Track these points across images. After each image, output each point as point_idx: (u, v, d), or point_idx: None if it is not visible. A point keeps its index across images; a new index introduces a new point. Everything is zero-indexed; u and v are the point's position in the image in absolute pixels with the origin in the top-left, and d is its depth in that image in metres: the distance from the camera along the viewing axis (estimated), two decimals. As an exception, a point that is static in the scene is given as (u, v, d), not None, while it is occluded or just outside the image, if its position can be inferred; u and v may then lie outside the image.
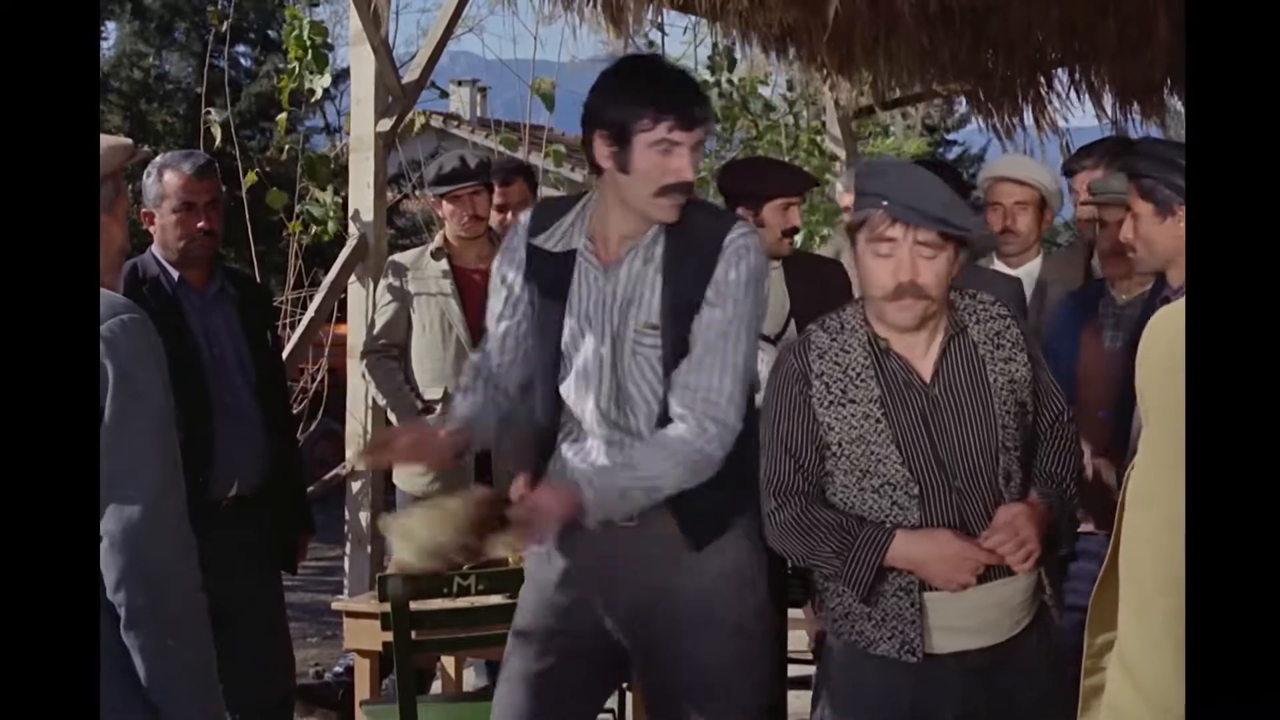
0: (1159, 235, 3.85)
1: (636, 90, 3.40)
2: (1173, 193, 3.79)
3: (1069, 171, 5.24)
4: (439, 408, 5.95)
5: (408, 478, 6.08)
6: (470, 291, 6.01)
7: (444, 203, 5.99)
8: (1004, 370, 3.31)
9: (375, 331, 6.11)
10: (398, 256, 6.23)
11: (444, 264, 6.02)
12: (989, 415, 3.29)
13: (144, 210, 4.70)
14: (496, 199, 6.26)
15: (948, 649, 3.31)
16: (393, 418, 6.08)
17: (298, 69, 6.93)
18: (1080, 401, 4.15)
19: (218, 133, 7.55)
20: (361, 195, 6.78)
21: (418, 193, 10.83)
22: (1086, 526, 4.29)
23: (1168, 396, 1.96)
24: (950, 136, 28.72)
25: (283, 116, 7.37)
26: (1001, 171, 5.34)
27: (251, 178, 7.28)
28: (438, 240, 6.13)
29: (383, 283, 6.16)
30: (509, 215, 6.27)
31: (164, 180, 4.66)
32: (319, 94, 7.07)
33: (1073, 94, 8.58)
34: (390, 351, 6.07)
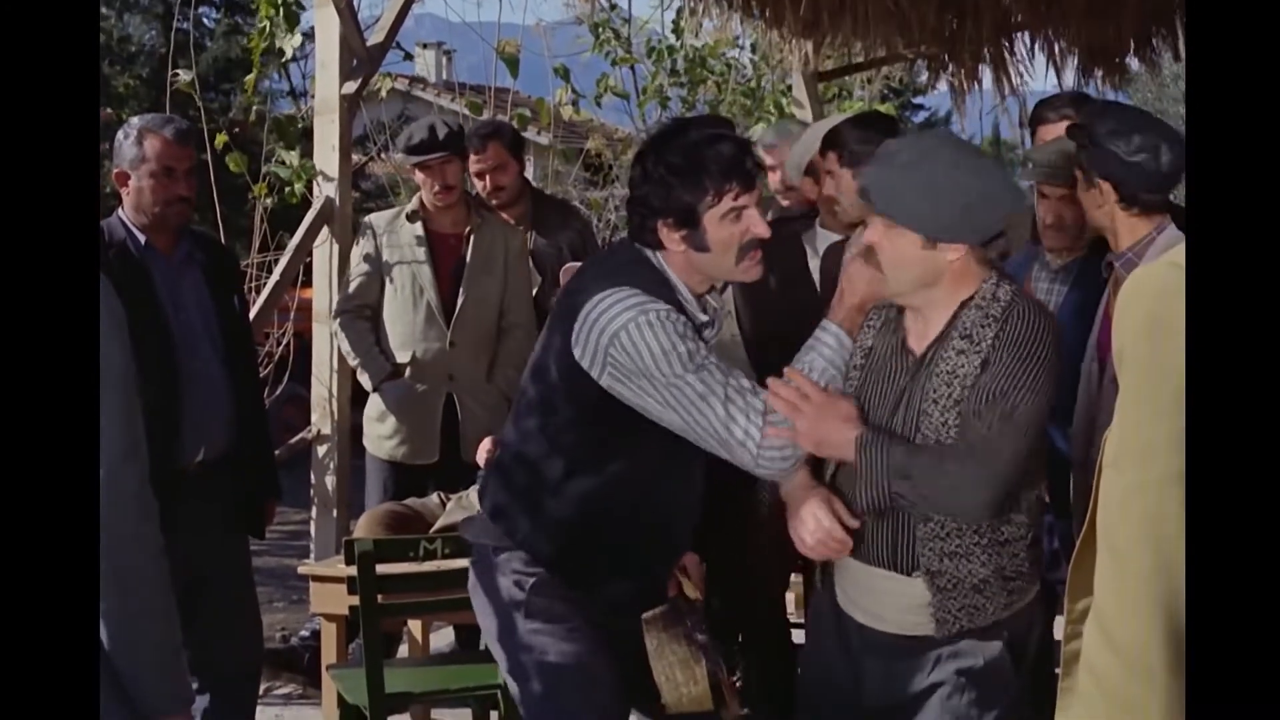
0: (1088, 203, 3.92)
1: (689, 169, 3.37)
2: (1095, 166, 3.83)
3: (1040, 121, 5.14)
4: (408, 371, 5.96)
5: (376, 441, 6.09)
6: (443, 256, 6.01)
7: (416, 170, 5.99)
8: (951, 360, 3.21)
9: (350, 291, 6.12)
10: (372, 217, 6.25)
11: (418, 228, 6.01)
12: (918, 397, 3.25)
13: (117, 170, 4.65)
14: (473, 165, 6.25)
15: (850, 612, 3.39)
16: (363, 379, 6.08)
17: (268, 28, 6.89)
18: None
19: (194, 94, 7.50)
20: (326, 158, 6.75)
21: (383, 156, 10.80)
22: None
23: (1143, 357, 1.97)
24: (916, 100, 28.70)
25: (251, 76, 7.33)
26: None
27: (222, 139, 7.23)
28: (413, 203, 6.12)
29: (358, 244, 6.16)
30: (487, 180, 6.26)
31: (144, 143, 4.61)
32: (289, 54, 7.02)
33: (1037, 58, 8.60)
34: (363, 312, 6.08)
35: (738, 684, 3.46)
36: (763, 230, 3.40)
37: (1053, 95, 5.36)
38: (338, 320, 6.13)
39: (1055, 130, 5.04)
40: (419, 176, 6.00)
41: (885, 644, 3.32)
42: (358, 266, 6.11)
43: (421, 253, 5.99)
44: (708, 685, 3.41)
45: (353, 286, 6.12)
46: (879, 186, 3.21)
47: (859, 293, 3.38)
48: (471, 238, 6.01)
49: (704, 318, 3.50)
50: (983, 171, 3.23)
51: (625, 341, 3.28)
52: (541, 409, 3.55)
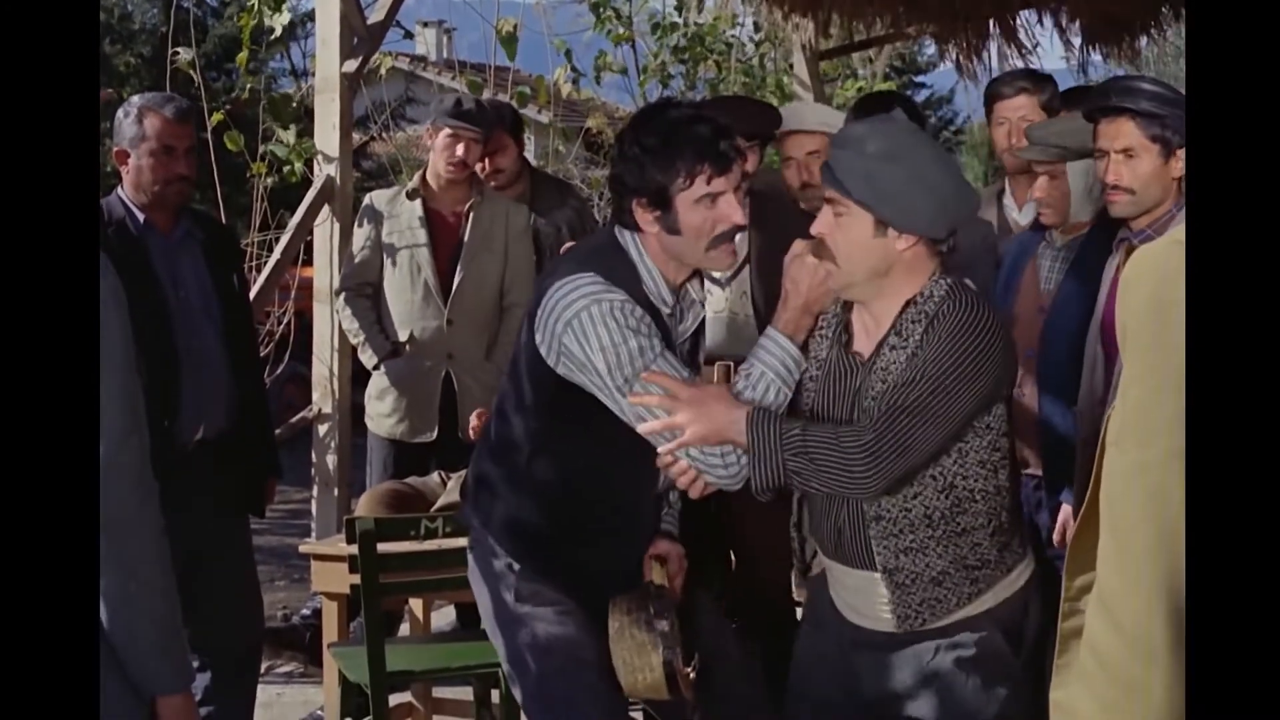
0: (1160, 177, 3.84)
1: (662, 148, 3.32)
2: (1178, 134, 3.76)
3: (994, 97, 5.13)
4: (406, 349, 5.96)
5: (377, 419, 6.09)
6: (443, 234, 6.01)
7: (440, 135, 5.97)
8: (886, 356, 3.21)
9: (350, 269, 6.15)
10: (373, 196, 6.23)
11: (418, 206, 6.00)
12: (864, 394, 3.24)
13: (117, 149, 4.64)
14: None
15: (843, 611, 3.41)
16: (364, 357, 6.08)
17: (256, 6, 6.89)
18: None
19: (193, 73, 7.49)
20: (327, 137, 6.75)
21: (385, 135, 10.78)
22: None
23: (1147, 335, 1.96)
24: (918, 79, 28.66)
25: (243, 55, 7.32)
26: (786, 124, 5.10)
27: (218, 117, 7.22)
28: (415, 181, 6.11)
29: (359, 223, 6.17)
30: (487, 162, 6.25)
31: (144, 122, 4.60)
32: (278, 31, 7.02)
33: (1039, 34, 8.58)
34: (364, 290, 6.09)
35: (692, 675, 3.45)
36: (738, 219, 3.35)
37: (1011, 72, 5.32)
38: (340, 297, 6.14)
39: (1011, 105, 5.02)
40: (439, 141, 5.97)
41: (878, 640, 3.33)
42: (358, 245, 6.12)
43: (421, 232, 5.99)
44: (663, 674, 3.40)
45: (352, 265, 6.14)
46: (846, 168, 3.18)
47: (803, 293, 3.33)
48: (471, 215, 6.00)
49: (667, 310, 3.45)
50: (949, 169, 3.23)
51: (576, 330, 3.26)
52: (514, 391, 3.55)
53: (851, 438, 3.10)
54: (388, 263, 6.03)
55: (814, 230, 3.26)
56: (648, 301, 3.38)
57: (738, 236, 3.44)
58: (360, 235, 6.12)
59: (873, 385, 3.21)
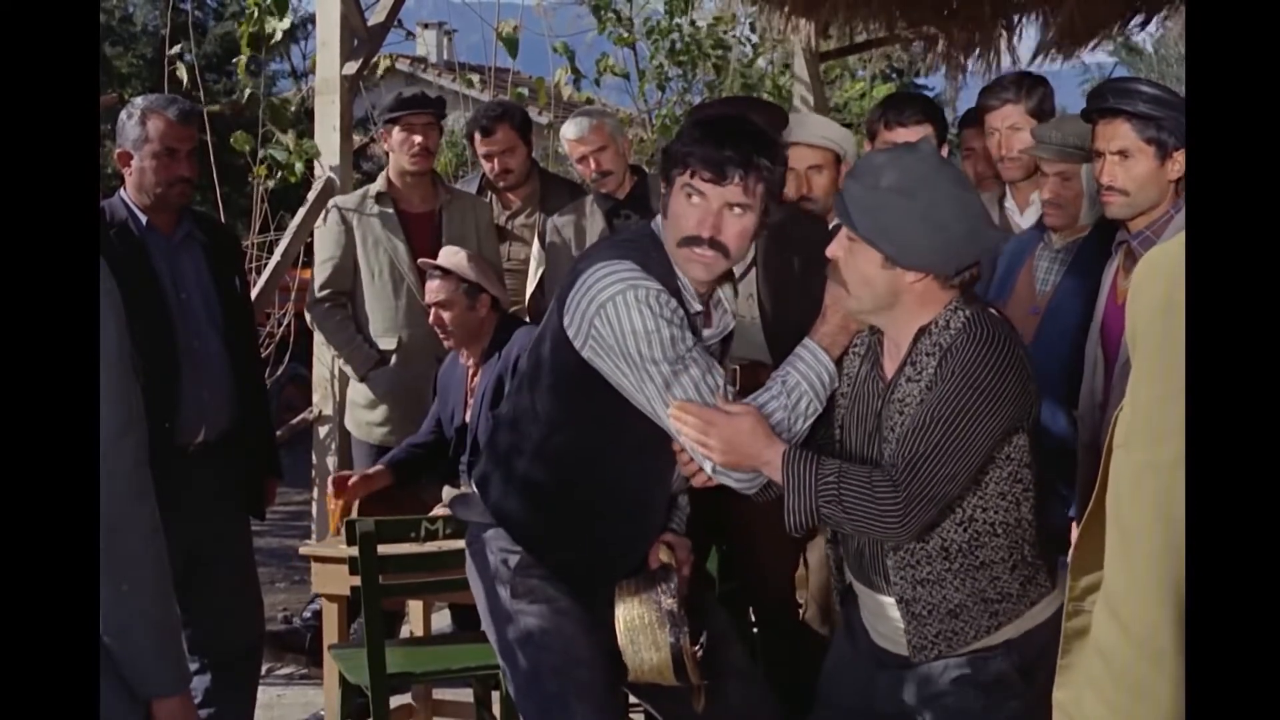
0: (1156, 179, 3.83)
1: (687, 134, 3.35)
2: (1174, 136, 3.76)
3: (983, 109, 5.05)
4: (393, 358, 5.93)
5: (366, 427, 6.04)
6: (418, 235, 5.95)
7: (394, 132, 5.95)
8: (903, 388, 3.18)
9: (323, 279, 6.05)
10: (339, 200, 6.17)
11: (388, 209, 5.97)
12: (885, 426, 3.22)
13: (119, 150, 4.65)
14: (481, 148, 6.21)
15: (877, 640, 3.40)
16: (348, 370, 6.05)
17: (257, 14, 6.90)
18: None
19: (184, 74, 7.49)
20: (327, 139, 6.75)
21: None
22: None
23: (1155, 337, 1.96)
24: (919, 81, 28.61)
25: (242, 60, 7.33)
26: (792, 136, 4.90)
27: (215, 109, 7.23)
28: (380, 183, 6.07)
29: (325, 230, 6.11)
30: (496, 163, 6.23)
31: (147, 124, 4.61)
32: (278, 36, 7.02)
33: (1036, 36, 8.57)
34: (338, 300, 6.02)
35: (699, 653, 3.45)
36: (703, 232, 3.31)
37: (1002, 78, 5.26)
38: (312, 312, 6.08)
39: (999, 116, 4.97)
40: (394, 139, 5.95)
41: (895, 659, 3.32)
42: (329, 253, 6.05)
43: (396, 235, 5.96)
44: (669, 655, 3.40)
45: (325, 275, 6.05)
46: (856, 201, 3.15)
47: (840, 310, 3.33)
48: (444, 215, 5.99)
49: (698, 307, 3.43)
50: (966, 206, 3.14)
51: (610, 314, 3.24)
52: (529, 376, 3.54)
53: (885, 488, 3.08)
54: (364, 270, 5.98)
55: (828, 254, 3.24)
56: (681, 296, 3.37)
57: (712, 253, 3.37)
58: (330, 243, 6.04)
59: (891, 415, 3.19)
